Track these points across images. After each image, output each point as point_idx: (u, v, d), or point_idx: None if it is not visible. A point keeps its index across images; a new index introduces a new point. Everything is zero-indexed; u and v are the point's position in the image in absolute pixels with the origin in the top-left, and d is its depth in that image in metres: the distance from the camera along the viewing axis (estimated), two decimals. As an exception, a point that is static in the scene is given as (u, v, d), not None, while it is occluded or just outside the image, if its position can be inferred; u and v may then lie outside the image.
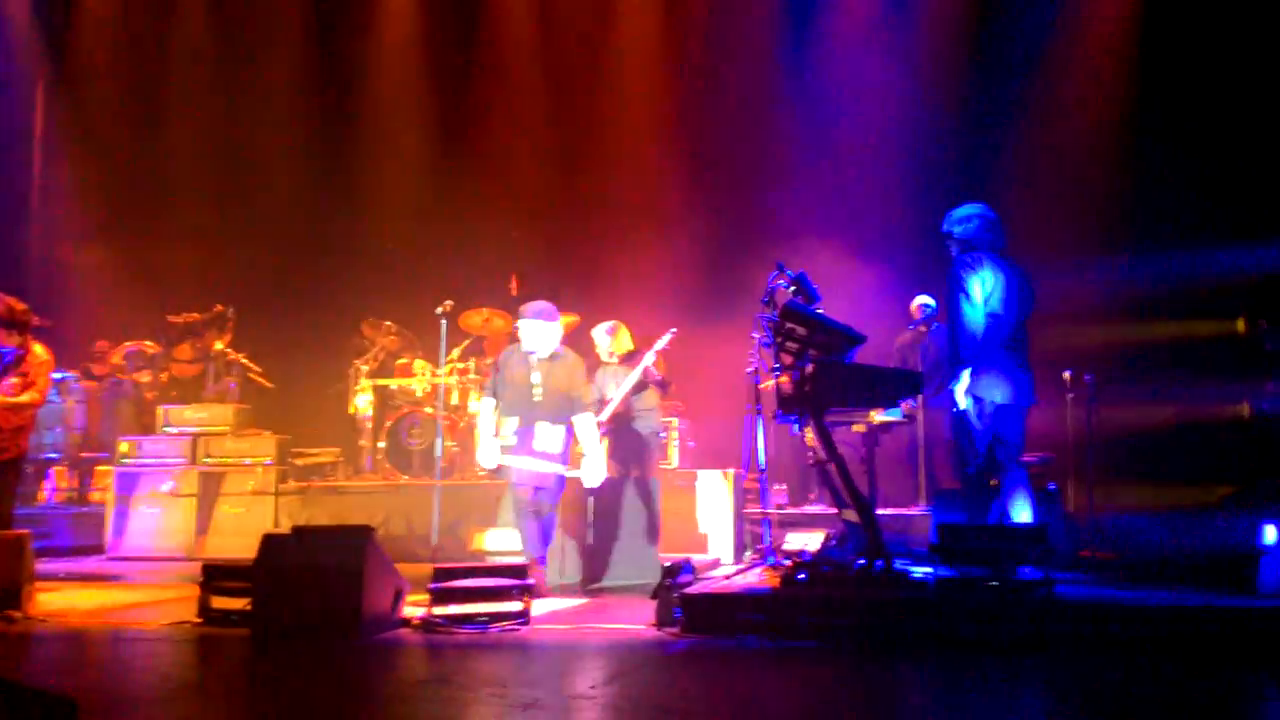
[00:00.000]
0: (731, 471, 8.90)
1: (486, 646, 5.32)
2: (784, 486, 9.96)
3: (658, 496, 7.89)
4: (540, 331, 7.19)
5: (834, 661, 5.00)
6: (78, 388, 11.05)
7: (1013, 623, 5.19)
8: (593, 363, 8.71)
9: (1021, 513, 6.07)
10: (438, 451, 9.02)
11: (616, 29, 12.76)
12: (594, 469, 7.23)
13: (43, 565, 7.49)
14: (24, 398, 7.39)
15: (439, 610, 5.70)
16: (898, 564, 6.10)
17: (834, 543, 6.80)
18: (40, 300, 8.37)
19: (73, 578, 8.16)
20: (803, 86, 11.76)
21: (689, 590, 5.79)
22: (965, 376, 6.02)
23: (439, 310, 8.38)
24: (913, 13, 11.65)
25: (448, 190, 12.35)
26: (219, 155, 12.94)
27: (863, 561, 5.99)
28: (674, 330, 8.32)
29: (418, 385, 10.70)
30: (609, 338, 8.55)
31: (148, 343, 11.62)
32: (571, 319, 9.97)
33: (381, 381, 10.97)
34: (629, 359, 8.49)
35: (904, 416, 6.98)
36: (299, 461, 10.52)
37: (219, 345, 11.40)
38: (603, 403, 8.33)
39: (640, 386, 8.32)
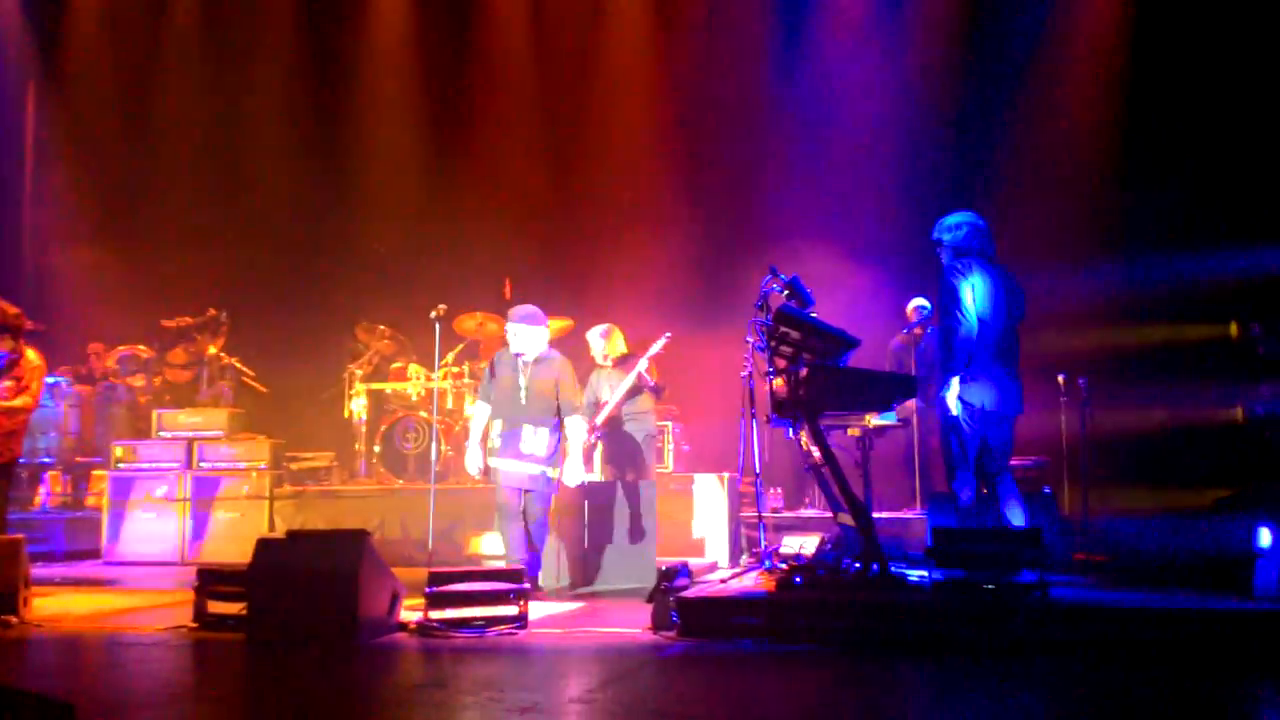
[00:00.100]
0: (727, 475, 8.91)
1: (483, 650, 5.32)
2: (780, 490, 9.97)
3: (653, 500, 7.89)
4: (527, 335, 7.23)
5: (830, 665, 5.00)
6: (71, 392, 11.04)
7: (1008, 626, 5.20)
8: (587, 366, 8.72)
9: (1013, 519, 6.08)
10: (433, 455, 9.03)
11: (610, 31, 12.76)
12: (573, 469, 7.24)
13: (38, 570, 7.48)
14: (17, 402, 7.38)
15: (435, 614, 5.70)
16: (893, 567, 6.13)
17: (830, 546, 6.81)
18: (33, 304, 8.36)
19: (68, 582, 8.14)
20: (796, 90, 11.76)
21: (685, 594, 5.79)
22: (954, 383, 6.04)
23: (433, 314, 8.38)
24: (905, 16, 11.66)
25: (441, 193, 12.33)
26: (212, 158, 12.91)
27: (858, 565, 6.00)
28: (668, 335, 8.33)
29: (412, 389, 10.70)
30: (603, 341, 8.56)
31: (141, 347, 11.60)
32: (565, 322, 9.97)
33: (376, 385, 10.97)
34: (623, 362, 8.50)
35: (898, 420, 6.99)
36: (294, 466, 10.52)
37: (212, 349, 11.39)
38: (597, 406, 8.34)
39: (634, 391, 8.33)
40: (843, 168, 11.28)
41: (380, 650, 5.39)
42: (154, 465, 9.87)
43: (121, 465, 9.90)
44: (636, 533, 7.74)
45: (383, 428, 10.50)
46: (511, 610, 5.75)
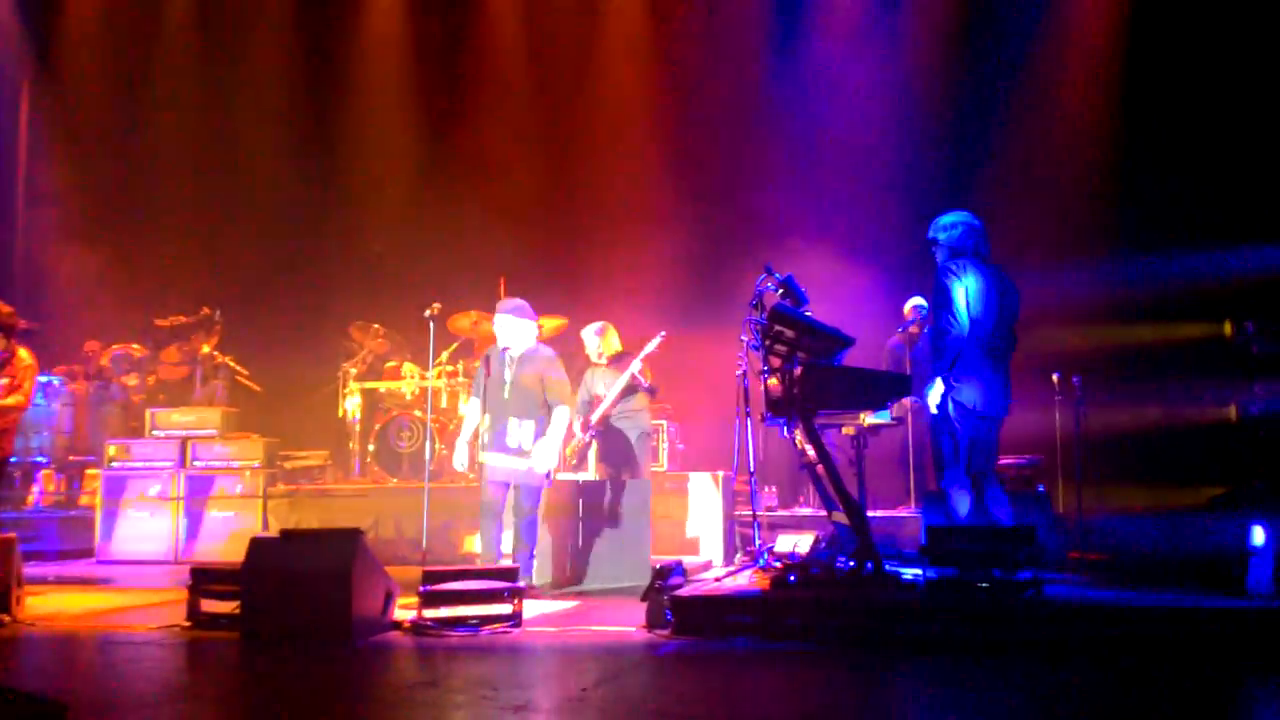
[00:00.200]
0: (722, 474, 8.91)
1: (477, 649, 5.32)
2: (774, 489, 9.97)
3: (648, 498, 7.89)
4: (512, 327, 7.23)
5: (824, 663, 5.00)
6: (65, 391, 11.01)
7: (1002, 624, 5.21)
8: (581, 364, 8.72)
9: (1000, 518, 6.09)
10: (427, 454, 9.00)
11: (604, 31, 12.75)
12: (544, 454, 7.08)
13: (31, 569, 7.46)
14: (9, 401, 7.38)
15: (429, 613, 5.69)
16: (887, 566, 6.13)
17: (824, 545, 6.81)
18: (26, 303, 8.35)
19: (61, 581, 8.13)
20: (791, 89, 11.76)
21: (680, 592, 5.79)
22: (938, 383, 6.06)
23: (427, 313, 8.36)
24: (900, 15, 11.67)
25: (436, 192, 12.30)
26: (205, 157, 12.87)
27: (853, 563, 6.00)
28: (663, 334, 8.32)
29: (406, 388, 10.70)
30: (597, 339, 8.56)
31: (134, 345, 11.58)
32: (560, 321, 9.95)
33: (370, 384, 10.96)
34: (617, 360, 8.50)
35: (894, 418, 7.00)
36: (287, 465, 10.50)
37: (206, 348, 11.37)
38: (592, 404, 8.33)
39: (629, 389, 8.33)
40: (838, 166, 11.28)
41: (374, 649, 5.39)
42: (148, 464, 9.84)
43: (115, 464, 9.87)
44: (631, 531, 7.73)
45: (377, 427, 10.48)
46: (506, 609, 5.75)
